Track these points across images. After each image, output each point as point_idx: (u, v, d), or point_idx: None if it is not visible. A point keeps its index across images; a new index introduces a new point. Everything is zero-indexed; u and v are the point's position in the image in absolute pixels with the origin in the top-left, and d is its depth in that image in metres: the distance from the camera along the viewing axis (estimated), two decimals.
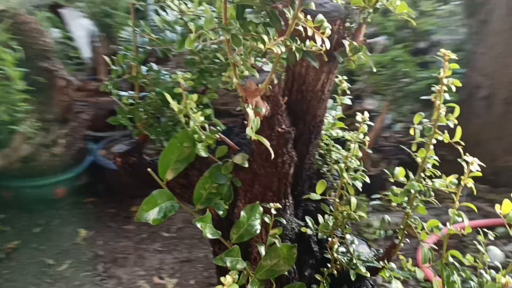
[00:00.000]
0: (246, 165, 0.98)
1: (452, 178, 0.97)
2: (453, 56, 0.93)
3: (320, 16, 0.78)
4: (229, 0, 0.80)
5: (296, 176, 1.08)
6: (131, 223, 2.96)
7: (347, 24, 0.98)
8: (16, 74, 2.55)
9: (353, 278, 0.98)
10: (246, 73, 0.82)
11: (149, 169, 1.00)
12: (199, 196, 0.99)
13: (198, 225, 0.91)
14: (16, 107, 2.58)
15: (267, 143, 0.87)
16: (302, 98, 1.01)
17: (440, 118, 0.95)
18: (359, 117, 1.01)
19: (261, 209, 1.00)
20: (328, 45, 0.79)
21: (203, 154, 1.00)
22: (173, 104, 1.00)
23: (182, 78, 0.98)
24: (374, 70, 1.04)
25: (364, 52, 0.91)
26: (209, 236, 0.91)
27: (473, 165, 0.93)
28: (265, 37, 0.77)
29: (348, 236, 1.04)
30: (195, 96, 0.99)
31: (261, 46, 0.78)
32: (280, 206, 1.01)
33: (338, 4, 0.95)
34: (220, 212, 1.00)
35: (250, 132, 0.83)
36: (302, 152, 1.07)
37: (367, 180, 1.00)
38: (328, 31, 0.76)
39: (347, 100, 1.16)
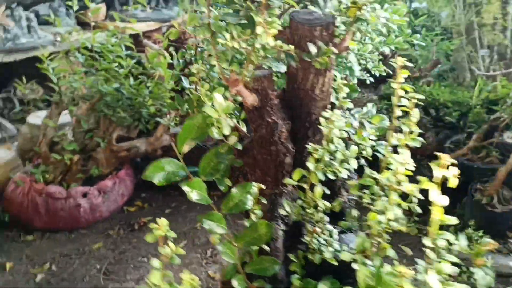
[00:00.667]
0: (239, 147, 1.12)
1: None
2: None
3: (274, 18, 0.90)
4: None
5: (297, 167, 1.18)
6: None
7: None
8: (168, 75, 3.03)
9: (317, 262, 1.05)
10: (225, 65, 0.98)
11: (172, 142, 1.22)
12: (204, 169, 1.17)
13: (185, 188, 1.08)
14: (163, 102, 3.05)
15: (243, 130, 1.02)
16: (296, 96, 1.12)
17: None
18: None
19: (254, 189, 1.13)
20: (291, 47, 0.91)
21: (216, 136, 1.18)
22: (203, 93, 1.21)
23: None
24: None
25: (328, 53, 0.99)
26: (195, 198, 1.08)
27: None
28: (235, 34, 0.93)
29: (329, 226, 1.11)
30: (221, 89, 1.18)
31: (233, 43, 0.93)
32: (277, 191, 1.14)
33: (326, 13, 1.05)
34: (222, 187, 1.17)
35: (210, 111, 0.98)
36: (302, 146, 1.17)
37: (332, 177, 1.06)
38: (275, 31, 0.88)
39: (350, 104, 1.21)
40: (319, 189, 1.04)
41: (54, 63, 2.96)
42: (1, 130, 3.83)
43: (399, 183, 0.97)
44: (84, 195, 3.11)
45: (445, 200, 0.85)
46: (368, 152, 1.19)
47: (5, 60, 3.75)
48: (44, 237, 2.97)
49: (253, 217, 1.10)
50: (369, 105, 1.48)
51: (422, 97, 1.08)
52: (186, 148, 1.21)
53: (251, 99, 1.05)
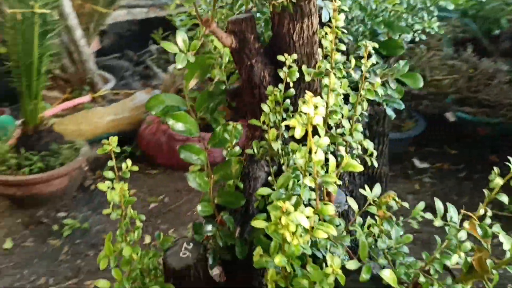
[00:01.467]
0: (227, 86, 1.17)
1: None
2: None
3: None
4: None
5: None
6: None
7: None
8: None
9: None
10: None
11: (184, 81, 1.32)
12: (199, 106, 1.25)
13: (169, 121, 1.18)
14: None
15: None
16: (276, 42, 1.11)
17: None
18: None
19: (239, 128, 1.18)
20: None
21: (218, 76, 1.25)
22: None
23: None
24: None
25: None
26: (178, 129, 1.16)
27: None
28: None
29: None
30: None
31: None
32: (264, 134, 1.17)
33: None
34: (213, 125, 1.24)
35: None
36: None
37: None
38: None
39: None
40: (273, 131, 1.05)
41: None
42: (156, 78, 4.32)
43: None
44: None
45: None
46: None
47: (161, 14, 4.17)
48: (165, 173, 3.36)
49: (227, 154, 1.16)
50: (402, 62, 1.39)
51: None
52: (191, 84, 1.31)
53: (227, 40, 1.08)
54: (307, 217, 0.77)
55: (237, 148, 1.18)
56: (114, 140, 1.07)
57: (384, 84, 1.36)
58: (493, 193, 0.83)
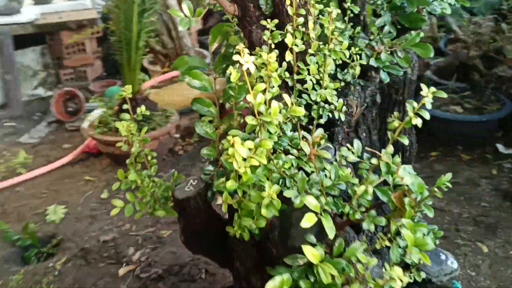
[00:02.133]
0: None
1: None
2: None
3: None
4: None
5: None
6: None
7: None
8: None
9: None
10: None
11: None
12: (216, 68, 1.44)
13: (186, 79, 1.38)
14: None
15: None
16: (274, 10, 1.26)
17: None
18: None
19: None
20: None
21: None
22: None
23: None
24: None
25: None
26: (194, 85, 1.36)
27: None
28: None
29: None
30: None
31: None
32: None
33: None
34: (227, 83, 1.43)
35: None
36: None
37: None
38: None
39: None
40: None
41: None
42: None
43: None
44: None
45: None
46: None
47: None
48: None
49: (229, 107, 1.34)
50: (414, 33, 1.45)
51: None
52: (213, 47, 1.51)
53: (230, 9, 1.25)
54: (249, 149, 0.94)
55: (241, 103, 1.36)
56: None
57: (392, 53, 1.44)
58: (395, 134, 0.92)
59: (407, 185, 0.91)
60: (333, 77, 1.36)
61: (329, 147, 1.32)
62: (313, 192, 0.94)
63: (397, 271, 0.86)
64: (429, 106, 1.00)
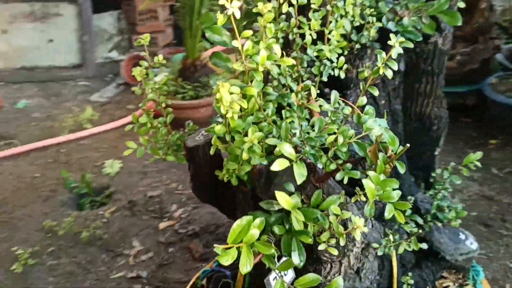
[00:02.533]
0: None
1: None
2: None
3: None
4: None
5: None
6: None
7: None
8: None
9: None
10: None
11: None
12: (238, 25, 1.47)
13: (207, 33, 1.42)
14: None
15: None
16: None
17: None
18: None
19: None
20: None
21: None
22: None
23: None
24: None
25: None
26: (214, 39, 1.41)
27: None
28: None
29: None
30: None
31: None
32: None
33: None
34: None
35: None
36: None
37: None
38: None
39: None
40: None
41: None
42: None
43: None
44: None
45: None
46: None
47: None
48: None
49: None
50: None
51: None
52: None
53: None
54: (231, 93, 0.97)
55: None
56: None
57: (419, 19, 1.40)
58: (366, 85, 0.91)
59: (384, 142, 0.91)
60: (350, 40, 1.35)
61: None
62: (293, 141, 0.96)
63: (358, 221, 0.87)
64: (395, 56, 0.98)
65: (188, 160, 1.40)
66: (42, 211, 2.98)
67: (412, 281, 1.51)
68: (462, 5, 1.63)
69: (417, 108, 1.65)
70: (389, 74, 0.98)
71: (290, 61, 0.99)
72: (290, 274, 1.12)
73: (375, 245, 1.28)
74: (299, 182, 0.89)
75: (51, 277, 2.46)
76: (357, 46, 1.33)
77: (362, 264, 1.31)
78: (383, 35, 1.40)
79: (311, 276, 0.94)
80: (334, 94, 0.97)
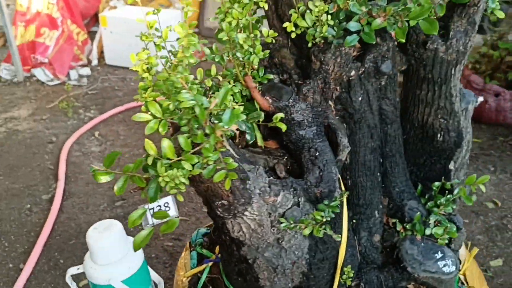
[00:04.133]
0: None
1: None
2: None
3: None
4: None
5: None
6: None
7: None
8: None
9: None
10: None
11: None
12: None
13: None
14: None
15: None
16: None
17: None
18: None
19: None
20: None
21: None
22: None
23: None
24: None
25: None
26: None
27: None
28: None
29: None
30: None
31: None
32: None
33: None
34: None
35: None
36: None
37: None
38: None
39: None
40: None
41: None
42: None
43: None
44: (496, 95, 3.29)
45: None
46: None
47: None
48: None
49: None
50: None
51: None
52: None
53: None
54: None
55: None
56: None
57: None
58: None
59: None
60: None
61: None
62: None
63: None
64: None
65: None
66: None
67: (352, 274, 1.57)
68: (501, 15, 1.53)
69: (419, 115, 1.61)
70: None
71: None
72: (172, 211, 1.37)
73: (292, 219, 1.40)
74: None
75: None
76: (319, 40, 1.43)
77: (281, 236, 1.46)
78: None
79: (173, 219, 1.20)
80: None
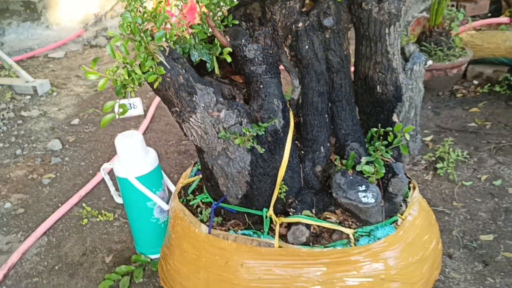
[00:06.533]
0: None
1: None
2: None
3: None
4: None
5: None
6: None
7: None
8: None
9: None
10: None
11: None
12: None
13: None
14: None
15: None
16: None
17: None
18: None
19: None
20: None
21: None
22: None
23: None
24: None
25: None
26: None
27: None
28: None
29: None
30: None
31: None
32: None
33: None
34: None
35: None
36: None
37: None
38: None
39: None
40: None
41: None
42: None
43: None
44: None
45: None
46: None
47: None
48: None
49: None
50: None
51: None
52: None
53: None
54: None
55: None
56: None
57: None
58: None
59: None
60: None
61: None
62: None
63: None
64: None
65: None
66: None
67: (285, 188, 1.92)
68: None
69: (362, 68, 1.89)
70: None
71: None
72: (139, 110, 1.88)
73: (230, 132, 1.81)
74: None
75: None
76: None
77: (226, 147, 1.88)
78: None
79: (109, 116, 1.72)
80: None
